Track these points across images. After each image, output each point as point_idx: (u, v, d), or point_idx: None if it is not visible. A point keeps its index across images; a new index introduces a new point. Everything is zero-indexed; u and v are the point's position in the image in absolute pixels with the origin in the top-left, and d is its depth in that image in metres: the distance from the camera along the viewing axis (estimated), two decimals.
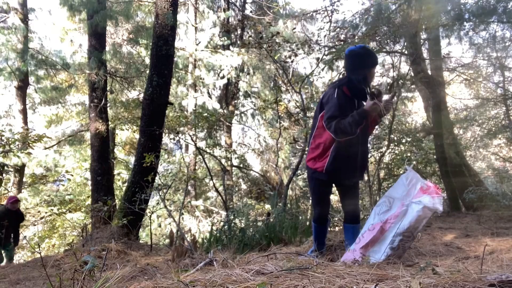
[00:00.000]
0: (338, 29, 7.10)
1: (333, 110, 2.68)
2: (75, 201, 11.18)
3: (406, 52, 7.69)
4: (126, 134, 14.66)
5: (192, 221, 11.08)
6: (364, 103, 2.76)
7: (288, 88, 8.39)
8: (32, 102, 14.52)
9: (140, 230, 7.03)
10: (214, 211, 12.32)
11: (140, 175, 5.97)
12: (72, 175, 12.50)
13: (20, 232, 7.19)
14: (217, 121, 10.69)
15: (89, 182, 9.67)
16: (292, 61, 7.03)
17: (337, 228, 6.31)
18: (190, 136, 7.73)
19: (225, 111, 13.74)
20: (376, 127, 8.54)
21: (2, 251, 6.54)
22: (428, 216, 2.52)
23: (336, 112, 2.66)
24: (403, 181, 2.69)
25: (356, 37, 6.92)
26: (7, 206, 6.64)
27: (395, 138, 7.65)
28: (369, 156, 3.04)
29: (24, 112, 10.70)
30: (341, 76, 6.67)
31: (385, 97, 2.76)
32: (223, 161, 10.60)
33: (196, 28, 13.28)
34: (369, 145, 2.80)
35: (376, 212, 2.81)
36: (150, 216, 6.37)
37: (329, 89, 2.96)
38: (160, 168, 8.59)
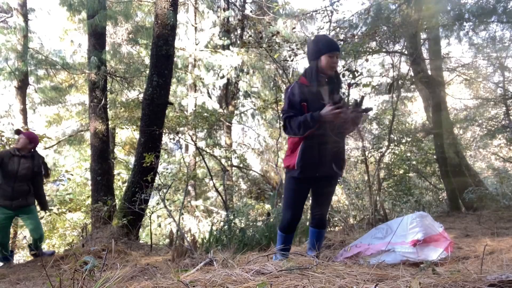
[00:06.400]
0: (338, 28, 7.09)
1: (284, 105, 2.77)
2: (75, 201, 11.17)
3: (406, 52, 7.69)
4: (126, 134, 14.66)
5: (192, 221, 11.08)
6: (326, 89, 2.68)
7: None
8: (32, 102, 14.52)
9: (140, 230, 7.01)
10: (214, 211, 12.32)
11: (140, 175, 5.96)
12: (72, 175, 12.50)
13: (43, 193, 4.73)
14: (217, 121, 10.68)
15: (89, 182, 9.65)
16: (292, 61, 7.02)
17: (336, 228, 6.32)
18: (190, 136, 7.73)
19: (225, 111, 13.73)
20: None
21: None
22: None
23: (285, 106, 2.74)
24: (407, 221, 2.79)
25: (356, 37, 6.91)
26: (14, 148, 4.31)
27: (395, 138, 7.65)
28: (344, 154, 2.90)
29: (24, 112, 10.68)
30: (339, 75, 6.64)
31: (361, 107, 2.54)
32: (223, 161, 10.59)
33: (196, 28, 13.29)
34: (349, 142, 2.78)
35: (372, 234, 3.03)
36: (150, 216, 6.37)
37: None
38: (160, 168, 8.58)
